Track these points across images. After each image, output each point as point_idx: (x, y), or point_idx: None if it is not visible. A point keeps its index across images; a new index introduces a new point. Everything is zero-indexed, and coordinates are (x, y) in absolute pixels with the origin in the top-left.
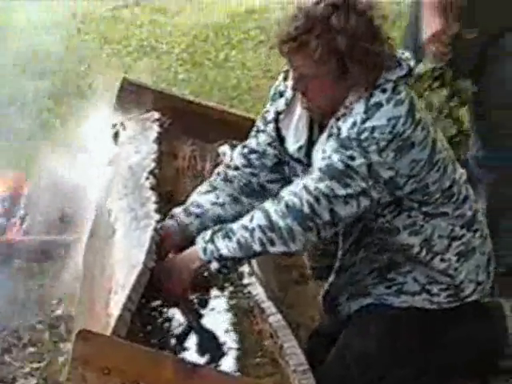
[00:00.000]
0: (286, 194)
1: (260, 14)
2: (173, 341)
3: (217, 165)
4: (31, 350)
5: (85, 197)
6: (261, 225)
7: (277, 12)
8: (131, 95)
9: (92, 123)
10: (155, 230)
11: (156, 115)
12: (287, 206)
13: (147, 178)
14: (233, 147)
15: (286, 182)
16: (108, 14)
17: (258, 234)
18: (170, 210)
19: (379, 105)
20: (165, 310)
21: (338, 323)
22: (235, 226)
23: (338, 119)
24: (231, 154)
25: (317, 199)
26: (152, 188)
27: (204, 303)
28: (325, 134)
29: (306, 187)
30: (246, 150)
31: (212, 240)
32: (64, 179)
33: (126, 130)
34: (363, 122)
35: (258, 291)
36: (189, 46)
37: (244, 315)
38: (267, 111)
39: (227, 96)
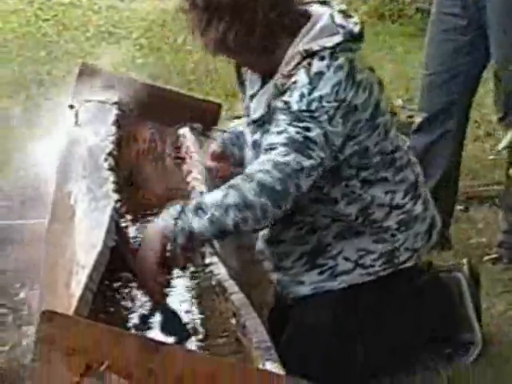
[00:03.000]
0: (257, 171)
1: None
2: (137, 321)
3: (177, 147)
4: None
5: (45, 180)
6: (236, 203)
7: None
8: (90, 80)
9: (51, 108)
10: (114, 209)
11: (114, 98)
12: (260, 184)
13: (106, 160)
14: (192, 130)
15: None
16: (65, 1)
17: (232, 212)
18: (129, 192)
19: (321, 73)
20: (128, 290)
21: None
22: (208, 201)
23: (282, 93)
24: None
25: (288, 175)
26: (111, 169)
27: (167, 282)
28: (269, 85)
29: (275, 164)
30: None
31: (183, 214)
32: (24, 163)
33: (85, 111)
34: (310, 93)
35: (220, 271)
36: (146, 30)
37: (207, 295)
38: None
39: (185, 80)
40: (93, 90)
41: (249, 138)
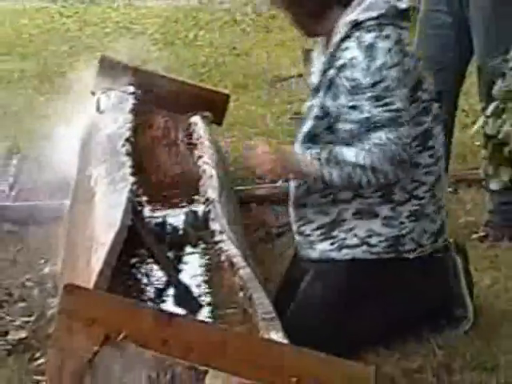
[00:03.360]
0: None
1: None
2: (152, 294)
3: (188, 134)
4: (22, 305)
5: (68, 164)
6: (367, 166)
7: None
8: (109, 72)
9: (73, 99)
10: (131, 191)
11: (131, 89)
12: (387, 155)
13: (123, 145)
14: (203, 118)
15: None
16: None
17: (363, 173)
18: (144, 175)
19: (371, 45)
20: (144, 266)
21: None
22: (347, 156)
23: (338, 68)
24: None
25: (394, 151)
26: (128, 154)
27: (179, 259)
28: (325, 54)
29: (390, 140)
30: None
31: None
32: (49, 149)
33: (105, 100)
34: (369, 65)
35: (228, 247)
36: (161, 27)
37: (216, 270)
38: None
39: (196, 72)
40: (111, 80)
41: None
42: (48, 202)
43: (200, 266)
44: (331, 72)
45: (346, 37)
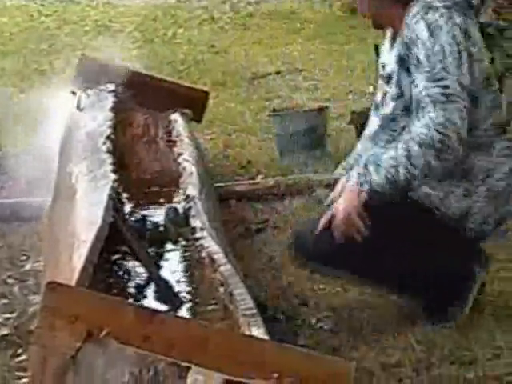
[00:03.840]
0: (417, 134)
1: None
2: (133, 290)
3: (168, 131)
4: (3, 301)
5: (49, 162)
6: (404, 162)
7: None
8: (89, 71)
9: (53, 96)
10: (112, 188)
11: (111, 87)
12: (422, 144)
13: (104, 143)
14: (182, 115)
15: None
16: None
17: (402, 169)
18: (125, 172)
19: (439, 26)
20: (125, 262)
21: None
22: (383, 159)
23: (407, 45)
24: None
25: (444, 133)
26: (108, 151)
27: (160, 255)
28: (397, 42)
29: (431, 124)
30: None
31: (366, 170)
32: (30, 146)
33: (84, 98)
34: (433, 45)
35: (209, 244)
36: (139, 25)
37: (197, 266)
38: None
39: (175, 70)
40: (91, 79)
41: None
42: (29, 199)
43: (181, 263)
44: (403, 51)
45: (416, 16)
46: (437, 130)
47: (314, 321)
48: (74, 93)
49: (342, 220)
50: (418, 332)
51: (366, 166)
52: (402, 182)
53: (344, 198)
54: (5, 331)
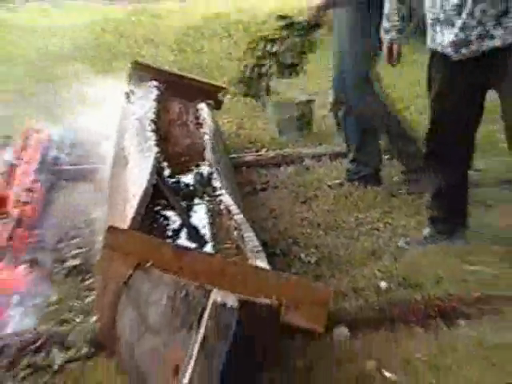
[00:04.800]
0: None
1: (223, 17)
2: (170, 233)
3: (196, 116)
4: (76, 240)
5: (108, 138)
6: None
7: (234, 15)
8: (139, 71)
9: (113, 91)
10: (155, 158)
11: (155, 83)
12: None
13: (149, 125)
14: (207, 105)
15: None
16: (121, 18)
17: None
18: (164, 146)
19: None
20: (164, 212)
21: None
22: None
23: None
24: None
25: None
26: (152, 131)
27: (190, 208)
28: None
29: None
30: None
31: None
32: (95, 127)
33: (134, 95)
34: None
35: (226, 199)
36: (176, 39)
37: (217, 215)
38: None
39: (202, 71)
40: (140, 78)
41: None
42: (91, 166)
43: (205, 213)
44: None
45: None
46: None
47: (303, 256)
48: (127, 92)
49: None
50: (380, 265)
51: None
52: None
53: None
54: (77, 262)
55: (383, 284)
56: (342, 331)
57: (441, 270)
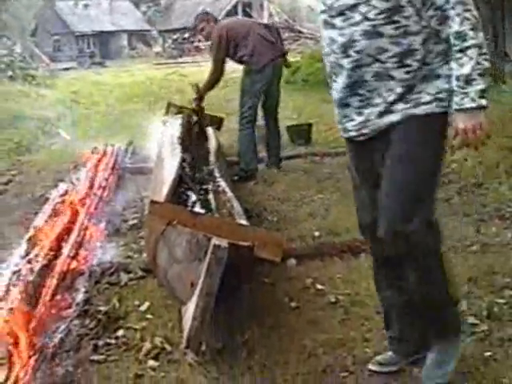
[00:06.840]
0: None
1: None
2: (190, 204)
3: (204, 134)
4: (133, 209)
5: (153, 148)
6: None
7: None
8: (171, 108)
9: (156, 120)
10: (181, 158)
11: (180, 116)
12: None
13: (178, 140)
14: (212, 127)
15: None
16: (161, 76)
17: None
18: (187, 154)
19: None
20: (186, 192)
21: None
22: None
23: None
24: None
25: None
26: (179, 143)
27: (201, 189)
28: None
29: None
30: None
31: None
32: (144, 143)
33: (168, 122)
34: None
35: (222, 184)
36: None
37: (217, 194)
38: None
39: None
40: (173, 113)
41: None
42: (145, 164)
43: (210, 193)
44: None
45: None
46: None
47: (269, 217)
48: (163, 120)
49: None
50: (315, 222)
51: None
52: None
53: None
54: (134, 221)
55: (316, 233)
56: (291, 261)
57: (349, 223)
